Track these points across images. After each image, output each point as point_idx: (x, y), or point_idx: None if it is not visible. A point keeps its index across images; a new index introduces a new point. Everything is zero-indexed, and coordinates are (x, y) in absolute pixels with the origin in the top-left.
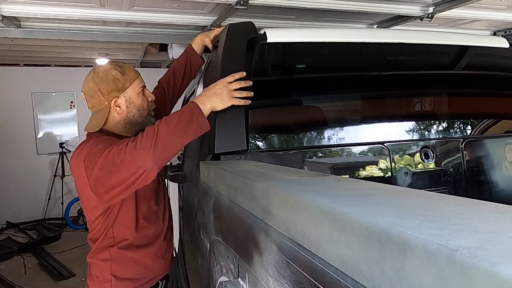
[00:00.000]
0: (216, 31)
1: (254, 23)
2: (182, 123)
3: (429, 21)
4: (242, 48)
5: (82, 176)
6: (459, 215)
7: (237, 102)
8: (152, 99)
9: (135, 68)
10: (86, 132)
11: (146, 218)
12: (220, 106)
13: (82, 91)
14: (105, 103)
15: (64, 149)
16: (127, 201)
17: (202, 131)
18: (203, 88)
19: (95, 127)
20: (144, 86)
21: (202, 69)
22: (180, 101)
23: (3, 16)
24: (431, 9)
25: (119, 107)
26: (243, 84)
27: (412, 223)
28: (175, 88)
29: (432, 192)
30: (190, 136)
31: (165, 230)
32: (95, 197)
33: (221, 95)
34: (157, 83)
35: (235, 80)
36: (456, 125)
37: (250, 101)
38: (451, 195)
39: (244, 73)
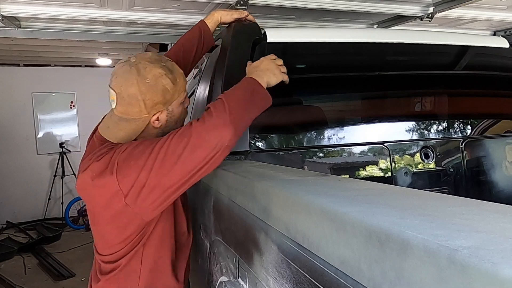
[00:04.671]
0: (239, 14)
1: None
2: (247, 96)
3: (429, 21)
4: (248, 49)
5: (107, 193)
6: (459, 215)
7: (286, 78)
8: (187, 105)
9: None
10: (88, 134)
11: (179, 233)
12: (273, 80)
13: (113, 88)
14: (145, 116)
15: (64, 149)
16: (165, 214)
17: (267, 105)
18: (211, 84)
19: (120, 139)
20: (187, 94)
21: (202, 69)
22: None
23: (3, 16)
24: (431, 9)
25: (158, 120)
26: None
27: (412, 223)
28: (184, 70)
29: (432, 192)
30: (256, 111)
31: (190, 246)
32: (128, 212)
33: (273, 70)
34: None
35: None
36: (456, 125)
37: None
38: (451, 195)
39: None
